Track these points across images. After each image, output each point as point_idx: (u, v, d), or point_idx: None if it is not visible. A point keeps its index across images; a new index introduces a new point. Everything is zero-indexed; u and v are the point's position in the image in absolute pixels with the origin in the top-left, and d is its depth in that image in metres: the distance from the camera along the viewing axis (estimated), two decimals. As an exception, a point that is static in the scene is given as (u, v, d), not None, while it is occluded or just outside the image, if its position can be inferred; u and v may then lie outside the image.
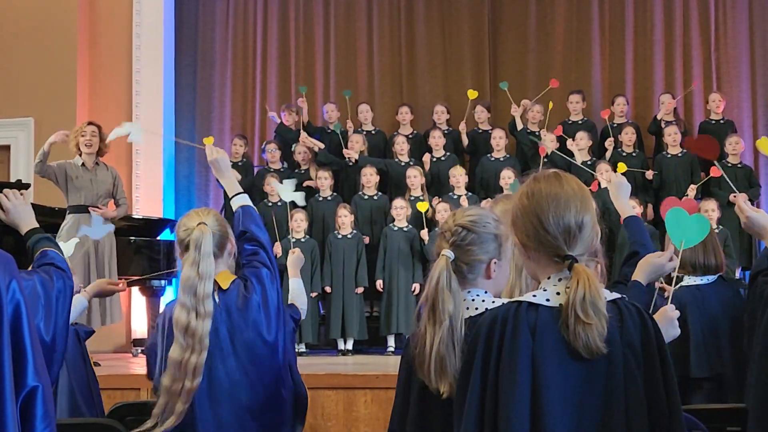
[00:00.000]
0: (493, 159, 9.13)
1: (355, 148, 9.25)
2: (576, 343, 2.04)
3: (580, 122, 9.53)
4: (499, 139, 9.16)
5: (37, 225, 3.46)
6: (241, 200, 3.57)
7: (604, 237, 3.57)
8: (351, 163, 9.22)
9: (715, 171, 8.17)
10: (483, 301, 2.58)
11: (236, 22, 10.76)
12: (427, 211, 8.23)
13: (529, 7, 10.48)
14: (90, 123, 7.78)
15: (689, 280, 4.25)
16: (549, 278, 2.16)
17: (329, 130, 9.70)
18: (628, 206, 3.53)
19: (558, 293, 2.11)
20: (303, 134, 9.51)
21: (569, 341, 2.05)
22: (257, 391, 3.25)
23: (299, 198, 4.82)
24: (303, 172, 9.38)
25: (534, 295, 2.13)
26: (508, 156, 9.18)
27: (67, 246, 4.42)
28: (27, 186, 8.28)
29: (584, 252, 2.17)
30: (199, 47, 10.70)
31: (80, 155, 7.65)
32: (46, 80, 9.67)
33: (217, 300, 3.27)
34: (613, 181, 3.53)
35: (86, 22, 10.00)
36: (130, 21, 10.10)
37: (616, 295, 2.16)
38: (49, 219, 7.64)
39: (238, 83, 10.70)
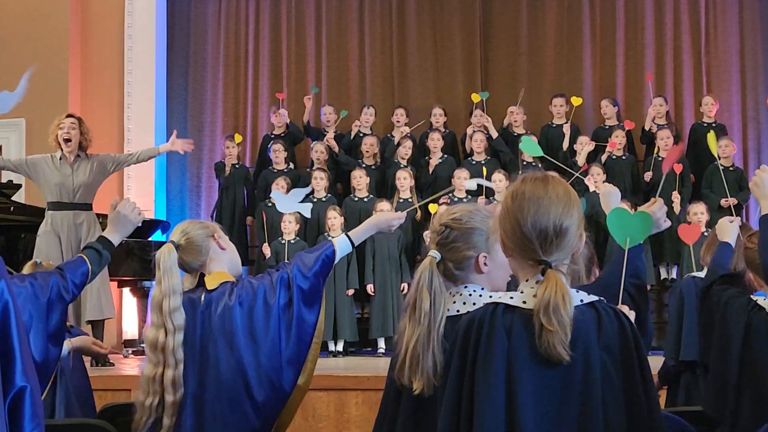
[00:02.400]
0: (474, 162, 9.15)
1: (370, 151, 9.31)
2: (539, 347, 2.03)
3: (563, 125, 9.57)
4: (479, 142, 9.20)
5: (118, 241, 3.59)
6: (341, 241, 3.48)
7: (591, 242, 3.63)
8: (364, 165, 9.23)
9: (677, 167, 8.38)
10: (480, 296, 2.58)
11: (228, 24, 10.76)
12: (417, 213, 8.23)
13: (520, 11, 10.51)
14: (69, 115, 7.42)
15: (700, 273, 4.37)
16: (527, 280, 2.15)
17: (326, 132, 9.72)
18: None
19: (534, 296, 2.10)
20: (329, 134, 9.54)
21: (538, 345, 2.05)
22: (219, 400, 3.23)
23: (305, 210, 4.74)
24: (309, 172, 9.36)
25: (511, 297, 2.13)
26: (489, 159, 9.21)
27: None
28: (18, 187, 8.28)
29: (564, 258, 2.15)
30: (191, 48, 10.71)
31: (61, 149, 7.27)
32: (38, 81, 9.66)
33: (202, 300, 3.28)
34: (602, 190, 3.56)
35: (78, 23, 10.00)
36: (122, 22, 10.10)
37: (594, 298, 2.14)
38: (39, 220, 7.59)
39: (230, 84, 10.71)
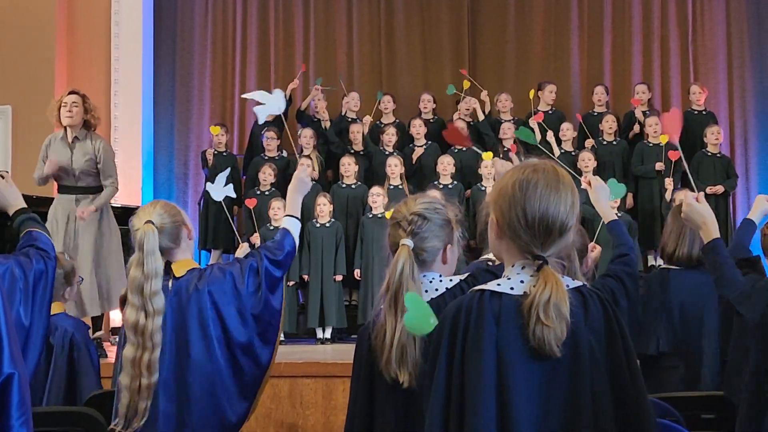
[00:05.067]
0: (456, 150, 9.14)
1: (357, 138, 9.29)
2: (532, 341, 2.03)
3: (550, 112, 9.59)
4: (461, 130, 9.19)
5: (25, 205, 3.50)
6: (289, 222, 3.64)
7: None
8: (352, 151, 9.22)
9: (673, 154, 8.22)
10: (441, 281, 2.64)
11: (215, 11, 10.71)
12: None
13: (508, -1, 10.53)
14: (72, 92, 7.00)
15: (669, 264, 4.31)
16: (513, 266, 2.15)
17: (315, 119, 9.69)
18: (609, 210, 3.63)
19: (522, 281, 2.10)
20: (320, 105, 9.56)
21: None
22: (197, 384, 3.25)
23: (229, 191, 4.68)
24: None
25: (498, 284, 2.12)
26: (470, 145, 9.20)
27: None
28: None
29: (556, 254, 2.14)
30: (178, 35, 10.65)
31: (65, 130, 6.92)
32: (24, 68, 9.60)
33: (170, 287, 3.29)
34: (594, 185, 3.60)
35: (64, 9, 9.94)
36: (109, 8, 10.04)
37: (578, 283, 2.15)
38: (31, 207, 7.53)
39: (217, 72, 10.66)
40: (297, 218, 3.66)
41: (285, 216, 3.68)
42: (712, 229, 3.29)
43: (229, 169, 4.88)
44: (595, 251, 3.79)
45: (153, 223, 3.22)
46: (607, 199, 3.62)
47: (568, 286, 2.11)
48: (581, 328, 2.07)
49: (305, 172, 3.75)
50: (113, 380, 3.41)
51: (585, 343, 2.07)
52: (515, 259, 2.15)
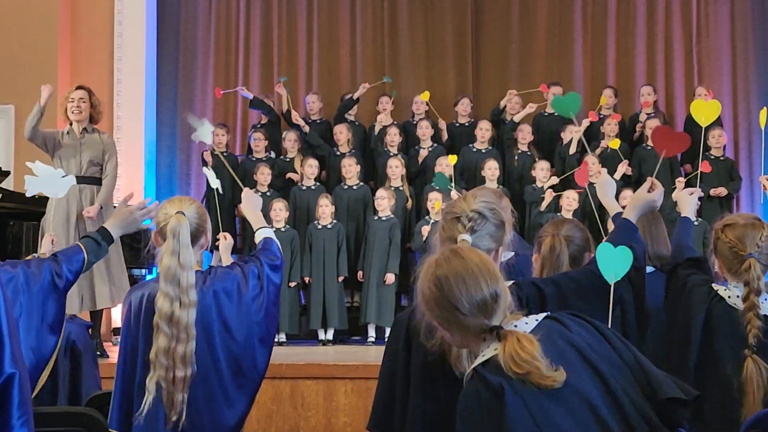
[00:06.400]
0: (475, 150, 9.12)
1: (341, 139, 9.24)
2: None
3: (556, 114, 9.57)
4: (485, 131, 9.15)
5: (118, 236, 3.63)
6: (265, 232, 3.70)
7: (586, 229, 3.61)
8: (338, 153, 9.19)
9: (705, 166, 8.16)
10: None
11: (219, 11, 10.71)
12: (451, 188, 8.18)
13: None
14: (79, 87, 7.16)
15: None
16: (486, 343, 2.18)
17: (310, 120, 9.68)
18: (614, 203, 3.62)
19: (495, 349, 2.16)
20: (294, 113, 9.51)
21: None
22: (196, 385, 3.22)
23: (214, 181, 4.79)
24: (288, 161, 9.32)
25: (483, 354, 2.16)
26: (490, 148, 9.19)
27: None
28: (6, 174, 8.21)
29: (504, 314, 2.19)
30: (182, 35, 10.64)
31: (70, 124, 7.04)
32: (27, 67, 9.58)
33: None
34: (600, 180, 3.65)
35: (67, 8, 9.93)
36: (112, 8, 10.02)
37: (545, 313, 2.25)
38: (29, 207, 7.53)
39: (220, 72, 10.65)
40: (268, 227, 3.75)
41: (258, 229, 3.72)
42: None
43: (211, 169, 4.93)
44: None
45: (185, 216, 3.25)
46: (613, 192, 3.64)
47: (537, 320, 2.22)
48: (576, 341, 2.19)
49: (249, 191, 3.94)
50: (118, 381, 3.37)
51: (584, 345, 2.18)
52: (479, 345, 2.20)
